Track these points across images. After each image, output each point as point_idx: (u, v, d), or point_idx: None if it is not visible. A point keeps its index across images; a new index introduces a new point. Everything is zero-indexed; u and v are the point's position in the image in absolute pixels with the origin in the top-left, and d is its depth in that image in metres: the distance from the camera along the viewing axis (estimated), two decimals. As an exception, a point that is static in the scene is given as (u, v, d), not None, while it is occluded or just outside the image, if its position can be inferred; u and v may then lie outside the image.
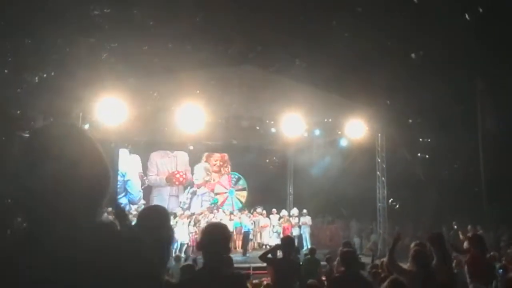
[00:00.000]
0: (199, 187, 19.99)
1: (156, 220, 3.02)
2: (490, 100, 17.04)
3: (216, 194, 20.31)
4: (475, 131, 17.09)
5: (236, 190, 20.68)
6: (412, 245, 5.48)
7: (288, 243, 6.43)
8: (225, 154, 20.74)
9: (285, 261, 6.08)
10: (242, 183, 20.87)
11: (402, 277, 5.32)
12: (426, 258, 5.03)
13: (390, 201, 15.82)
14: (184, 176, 19.65)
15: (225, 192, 20.50)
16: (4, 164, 1.30)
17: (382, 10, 16.74)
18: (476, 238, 6.89)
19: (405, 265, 5.26)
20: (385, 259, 6.70)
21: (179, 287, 3.33)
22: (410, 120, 16.79)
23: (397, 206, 15.84)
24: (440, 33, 16.46)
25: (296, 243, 8.75)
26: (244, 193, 20.74)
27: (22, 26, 12.13)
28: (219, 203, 19.88)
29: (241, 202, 20.41)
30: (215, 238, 3.06)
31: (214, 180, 20.43)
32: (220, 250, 3.07)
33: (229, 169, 20.86)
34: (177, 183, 19.51)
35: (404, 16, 17.02)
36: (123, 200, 18.19)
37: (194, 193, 19.82)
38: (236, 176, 20.86)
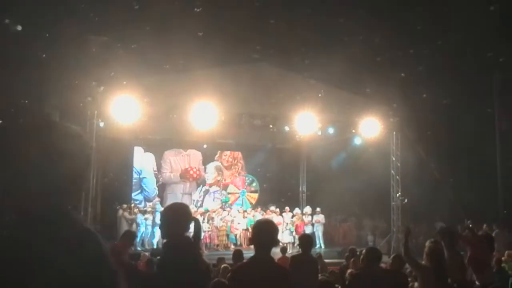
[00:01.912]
0: (211, 186, 20.09)
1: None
2: (507, 98, 16.81)
3: (229, 193, 20.38)
4: (492, 130, 16.89)
5: (248, 192, 20.71)
6: (427, 243, 5.47)
7: (306, 241, 6.51)
8: (239, 153, 20.80)
9: (305, 258, 6.14)
10: (255, 185, 20.91)
11: (417, 272, 5.34)
12: (441, 254, 5.03)
13: (397, 195, 15.71)
14: (197, 172, 19.76)
15: (237, 192, 20.56)
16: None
17: (397, 5, 16.61)
18: (487, 237, 6.91)
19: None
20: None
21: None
22: (426, 118, 16.63)
23: (406, 200, 15.71)
24: (457, 29, 16.30)
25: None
26: (255, 195, 20.78)
27: (37, 24, 12.28)
28: (230, 202, 19.95)
29: (251, 203, 20.42)
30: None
31: (225, 180, 20.49)
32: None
33: (240, 167, 20.90)
34: (191, 179, 19.62)
35: (420, 12, 16.88)
36: (138, 197, 18.35)
37: (206, 192, 19.93)
38: (250, 178, 20.89)
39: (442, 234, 5.97)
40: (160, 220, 3.41)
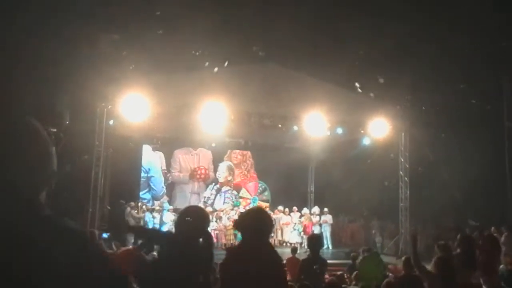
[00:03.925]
0: (222, 185, 20.08)
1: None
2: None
3: (241, 197, 20.36)
4: (501, 131, 16.79)
5: (260, 200, 20.65)
6: (436, 248, 5.47)
7: (315, 241, 6.51)
8: (248, 152, 20.78)
9: (314, 260, 6.14)
10: (266, 194, 20.84)
11: (424, 277, 5.36)
12: (449, 262, 5.03)
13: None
14: (205, 172, 19.74)
15: (249, 199, 20.54)
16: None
17: (406, 6, 16.56)
18: (490, 238, 6.92)
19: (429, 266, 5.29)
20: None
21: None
22: (435, 119, 16.57)
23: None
24: (466, 30, 16.21)
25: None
26: (266, 205, 20.60)
27: (49, 23, 12.37)
28: (241, 207, 19.84)
29: (260, 211, 20.28)
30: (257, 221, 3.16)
31: (235, 180, 20.47)
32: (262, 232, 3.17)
33: (249, 165, 20.88)
34: (198, 178, 19.62)
35: (429, 12, 16.81)
36: (146, 196, 18.40)
37: (218, 190, 19.92)
38: (263, 186, 20.87)
39: (460, 240, 5.97)
40: (179, 218, 3.39)
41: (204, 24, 15.01)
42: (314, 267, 6.02)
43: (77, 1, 13.20)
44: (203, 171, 19.72)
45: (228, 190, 20.13)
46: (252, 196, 20.58)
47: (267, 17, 16.87)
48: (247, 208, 19.12)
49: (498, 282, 6.09)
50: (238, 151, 20.62)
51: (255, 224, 3.12)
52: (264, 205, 20.33)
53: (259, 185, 20.81)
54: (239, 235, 16.54)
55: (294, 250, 10.54)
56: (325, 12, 17.44)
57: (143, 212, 16.33)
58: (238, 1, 16.70)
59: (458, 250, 5.89)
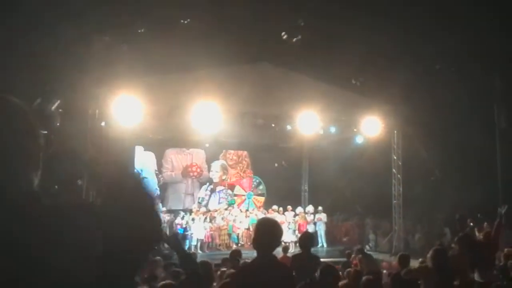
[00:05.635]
0: (216, 185, 20.02)
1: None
2: (508, 97, 16.80)
3: (235, 195, 20.30)
4: (493, 129, 16.88)
5: (255, 195, 20.62)
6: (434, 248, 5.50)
7: (306, 239, 6.52)
8: (244, 152, 20.73)
9: (306, 256, 6.16)
10: (262, 188, 20.80)
11: (419, 275, 5.36)
12: (444, 257, 5.05)
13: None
14: (199, 169, 19.66)
15: (244, 195, 20.49)
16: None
17: (399, 6, 16.60)
18: (486, 234, 7.01)
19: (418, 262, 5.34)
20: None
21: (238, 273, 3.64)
22: (427, 117, 16.61)
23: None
24: (459, 30, 16.28)
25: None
26: (262, 199, 20.64)
27: (40, 24, 12.30)
28: (235, 205, 19.80)
29: (256, 207, 20.27)
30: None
31: (230, 179, 20.43)
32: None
33: (246, 165, 20.84)
34: (192, 176, 19.50)
35: (422, 12, 16.86)
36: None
37: (212, 190, 19.86)
38: (257, 180, 20.83)
39: (459, 241, 6.03)
40: None
41: (196, 24, 14.99)
42: (308, 262, 6.04)
43: (69, 2, 13.15)
44: (197, 168, 19.61)
45: (223, 189, 20.08)
46: (246, 192, 20.52)
47: (260, 17, 16.85)
48: (242, 207, 19.17)
49: (494, 276, 6.14)
50: (232, 151, 20.59)
51: (266, 238, 3.37)
52: (259, 199, 20.33)
53: (253, 179, 20.75)
54: (233, 235, 16.60)
55: (285, 249, 10.54)
56: (318, 11, 17.45)
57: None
58: (231, 1, 16.66)
59: (454, 246, 5.95)
